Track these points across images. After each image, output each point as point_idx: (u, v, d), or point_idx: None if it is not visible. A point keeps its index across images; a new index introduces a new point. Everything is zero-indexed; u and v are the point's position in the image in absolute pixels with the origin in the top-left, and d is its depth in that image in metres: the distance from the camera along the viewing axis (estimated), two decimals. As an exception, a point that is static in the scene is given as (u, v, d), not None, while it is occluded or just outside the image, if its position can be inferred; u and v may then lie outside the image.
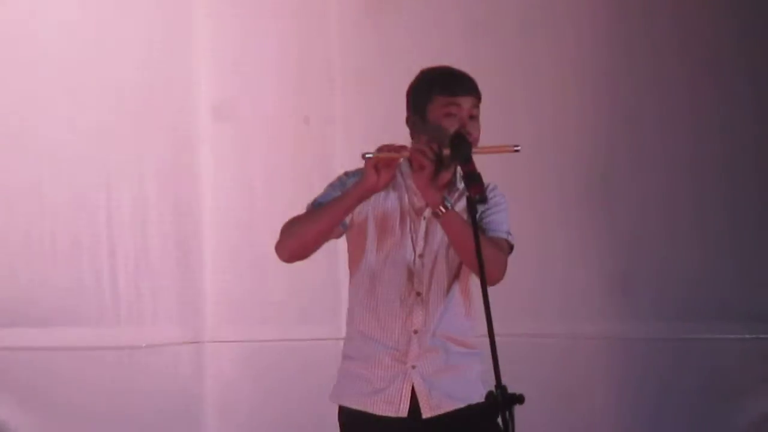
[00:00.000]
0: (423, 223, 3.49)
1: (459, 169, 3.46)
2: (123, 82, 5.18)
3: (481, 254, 3.09)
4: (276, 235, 3.49)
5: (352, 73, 5.38)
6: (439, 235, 3.47)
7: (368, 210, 3.49)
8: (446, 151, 3.34)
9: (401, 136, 3.51)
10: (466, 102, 3.44)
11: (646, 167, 5.53)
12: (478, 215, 3.19)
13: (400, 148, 3.35)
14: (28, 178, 5.09)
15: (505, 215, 3.51)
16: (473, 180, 3.16)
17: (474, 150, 3.33)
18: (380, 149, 3.34)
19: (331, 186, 3.52)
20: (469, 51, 5.25)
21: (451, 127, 3.40)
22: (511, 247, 3.51)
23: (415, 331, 3.48)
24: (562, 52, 5.53)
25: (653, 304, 5.51)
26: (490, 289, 3.08)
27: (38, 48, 5.10)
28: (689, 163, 5.53)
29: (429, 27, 5.41)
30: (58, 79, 5.11)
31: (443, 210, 3.36)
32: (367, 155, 3.33)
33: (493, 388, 2.96)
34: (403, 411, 3.46)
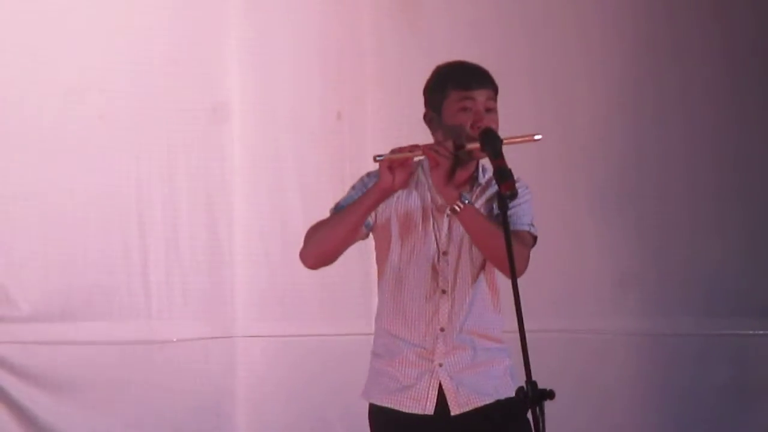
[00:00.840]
0: (446, 221, 3.49)
1: (480, 163, 3.46)
2: (154, 80, 5.18)
3: (512, 250, 3.09)
4: (305, 232, 3.50)
5: (385, 70, 5.39)
6: (462, 231, 3.46)
7: (391, 209, 3.50)
8: (464, 147, 3.33)
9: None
10: (480, 95, 3.44)
11: (671, 163, 5.55)
12: (497, 203, 3.19)
13: (412, 148, 3.34)
14: (59, 176, 5.10)
15: (528, 207, 3.49)
16: (504, 176, 3.16)
17: None
18: (392, 151, 3.34)
19: (353, 188, 3.53)
20: (502, 48, 5.27)
21: (467, 121, 3.40)
22: (534, 239, 3.50)
23: (442, 329, 3.48)
24: (589, 51, 5.57)
25: (679, 300, 5.53)
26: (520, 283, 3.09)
27: (64, 45, 5.11)
28: (710, 159, 5.59)
29: (463, 24, 5.43)
30: (88, 76, 5.13)
31: (461, 206, 3.36)
32: (378, 157, 3.34)
33: (522, 384, 2.96)
34: (429, 408, 3.47)
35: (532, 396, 2.94)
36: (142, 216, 5.17)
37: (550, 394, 2.94)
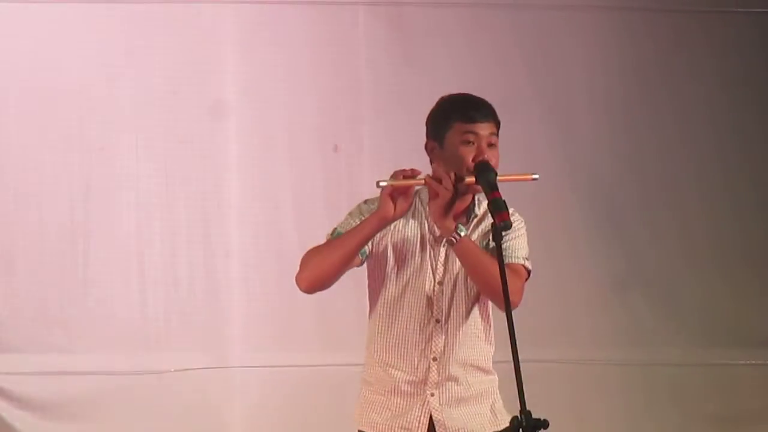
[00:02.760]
0: (442, 251, 3.49)
1: (476, 195, 3.48)
2: (153, 114, 5.23)
3: (506, 282, 3.11)
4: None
5: (381, 102, 5.43)
6: (458, 261, 3.46)
7: (388, 239, 3.50)
8: (464, 180, 3.34)
9: (428, 163, 3.55)
10: (484, 129, 3.43)
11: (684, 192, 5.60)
12: (491, 235, 3.21)
13: (414, 173, 3.35)
14: (58, 205, 5.14)
15: (523, 241, 3.49)
16: (498, 207, 3.18)
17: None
18: (394, 175, 3.34)
19: (350, 215, 3.51)
20: (499, 80, 5.31)
21: (469, 155, 3.40)
22: (528, 272, 3.50)
23: (434, 359, 3.48)
24: (581, 77, 5.64)
25: (673, 331, 5.57)
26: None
27: (65, 79, 5.16)
28: (707, 182, 5.68)
29: (459, 57, 5.47)
30: (91, 107, 5.18)
31: (456, 238, 3.36)
32: (381, 183, 3.34)
33: (517, 414, 2.99)
34: None
35: (526, 425, 2.97)
36: (140, 248, 5.21)
37: (544, 424, 2.96)
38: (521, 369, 3.02)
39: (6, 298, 5.07)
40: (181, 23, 5.27)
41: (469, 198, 3.49)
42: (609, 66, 5.66)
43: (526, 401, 2.98)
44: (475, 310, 3.50)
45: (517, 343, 3.04)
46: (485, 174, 3.30)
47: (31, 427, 5.04)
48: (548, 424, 2.95)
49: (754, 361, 5.61)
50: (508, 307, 3.11)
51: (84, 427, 5.08)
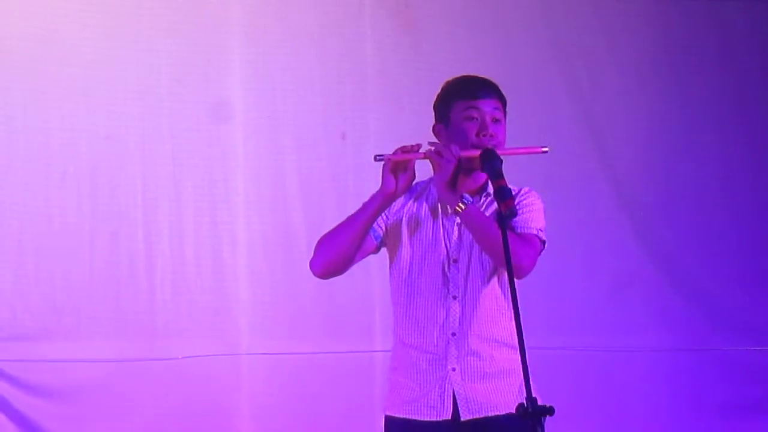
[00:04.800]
0: (455, 228, 3.50)
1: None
2: (160, 102, 5.24)
3: (511, 266, 3.13)
4: (311, 250, 3.52)
5: (388, 90, 5.43)
6: (471, 237, 3.46)
7: (401, 218, 3.51)
8: (466, 153, 3.36)
9: (434, 151, 3.55)
10: (486, 105, 3.46)
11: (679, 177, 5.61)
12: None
13: (415, 147, 3.36)
14: (66, 196, 5.15)
15: (537, 215, 3.49)
16: (503, 195, 3.19)
17: (501, 151, 3.36)
18: (395, 152, 3.35)
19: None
20: (506, 65, 5.31)
21: (472, 130, 3.44)
22: (543, 244, 3.50)
23: (453, 334, 3.47)
24: (594, 65, 5.66)
25: (682, 316, 5.58)
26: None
27: (72, 66, 5.17)
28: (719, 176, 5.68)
29: (465, 44, 5.47)
30: (97, 95, 5.19)
31: (462, 207, 3.37)
32: (378, 157, 3.36)
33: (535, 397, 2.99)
34: (446, 414, 3.45)
35: (533, 412, 2.97)
36: (148, 235, 5.21)
37: (549, 411, 2.96)
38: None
39: (15, 286, 5.08)
40: (187, 11, 5.27)
41: (482, 177, 3.50)
42: (630, 55, 5.66)
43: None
44: (494, 287, 3.49)
45: (523, 335, 3.05)
46: (491, 161, 3.31)
47: (41, 414, 5.05)
48: (554, 411, 2.96)
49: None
50: (513, 293, 3.13)
51: (93, 415, 5.09)
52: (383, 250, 3.56)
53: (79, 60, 5.17)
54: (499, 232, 3.19)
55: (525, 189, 3.50)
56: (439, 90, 3.58)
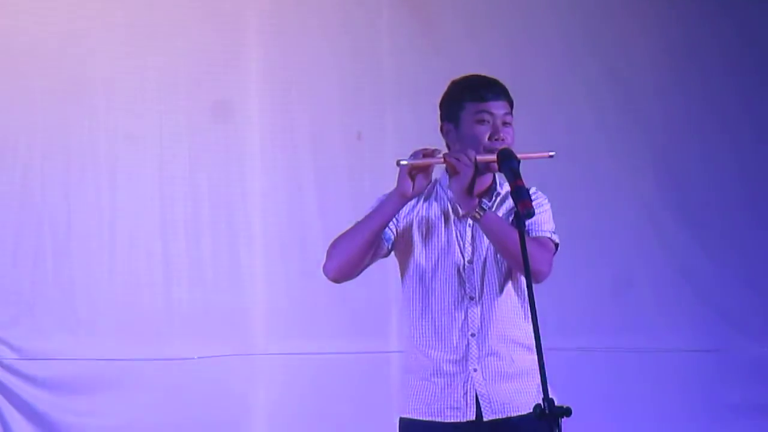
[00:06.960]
0: (468, 230, 3.49)
1: (496, 174, 3.48)
2: (178, 102, 5.24)
3: (530, 271, 3.11)
4: (325, 251, 3.51)
5: (405, 89, 5.43)
6: (486, 239, 3.46)
7: (412, 223, 3.50)
8: (482, 158, 3.34)
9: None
10: (497, 108, 3.45)
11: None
12: (513, 219, 3.23)
13: (434, 152, 3.35)
14: (85, 194, 5.16)
15: (547, 216, 3.50)
16: (521, 196, 3.17)
17: None
18: (414, 154, 3.34)
19: (370, 208, 3.50)
20: (522, 65, 5.31)
21: (484, 134, 3.43)
22: (556, 246, 3.50)
23: (473, 334, 3.45)
24: (605, 66, 5.65)
25: (696, 316, 5.58)
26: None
27: (92, 66, 5.18)
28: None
29: (483, 44, 5.47)
30: (115, 95, 5.19)
31: (481, 213, 3.36)
32: (401, 162, 3.34)
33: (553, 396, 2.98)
34: (470, 414, 3.43)
35: (550, 413, 2.96)
36: (165, 235, 5.22)
37: (567, 411, 2.95)
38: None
39: (33, 284, 5.09)
40: (204, 10, 5.27)
41: (489, 178, 3.50)
42: (645, 52, 5.66)
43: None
44: (510, 288, 3.48)
45: (540, 334, 3.04)
46: (508, 161, 3.30)
47: (57, 412, 5.06)
48: (571, 412, 2.95)
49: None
50: (531, 296, 3.11)
51: (108, 413, 5.09)
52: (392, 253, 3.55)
53: (99, 59, 5.17)
54: (518, 238, 3.17)
55: (532, 189, 3.46)
56: (446, 89, 3.57)
